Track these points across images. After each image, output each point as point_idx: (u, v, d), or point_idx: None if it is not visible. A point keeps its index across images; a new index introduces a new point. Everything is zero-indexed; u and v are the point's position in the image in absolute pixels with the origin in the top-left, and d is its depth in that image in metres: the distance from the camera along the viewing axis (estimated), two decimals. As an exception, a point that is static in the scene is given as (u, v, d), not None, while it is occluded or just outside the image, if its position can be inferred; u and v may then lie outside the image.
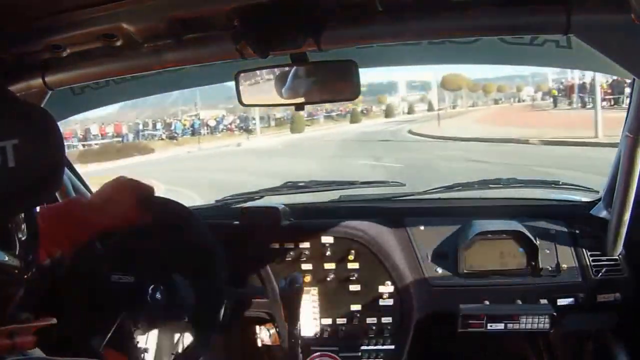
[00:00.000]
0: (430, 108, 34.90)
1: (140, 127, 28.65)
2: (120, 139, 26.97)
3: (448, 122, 23.02)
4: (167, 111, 32.98)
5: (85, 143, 25.54)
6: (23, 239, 0.74)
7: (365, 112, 34.75)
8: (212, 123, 28.52)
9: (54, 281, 1.37)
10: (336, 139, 19.59)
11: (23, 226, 0.75)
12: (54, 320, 1.19)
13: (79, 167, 1.89)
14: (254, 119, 28.19)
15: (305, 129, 26.15)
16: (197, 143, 23.36)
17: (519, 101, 34.79)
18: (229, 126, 28.73)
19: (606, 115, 13.73)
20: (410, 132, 20.47)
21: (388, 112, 34.49)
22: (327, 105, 27.72)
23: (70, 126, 24.58)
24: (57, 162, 0.71)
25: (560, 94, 27.15)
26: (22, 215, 0.73)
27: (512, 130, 16.45)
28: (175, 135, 26.66)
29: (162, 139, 26.29)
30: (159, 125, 28.72)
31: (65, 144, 0.78)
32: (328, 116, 32.82)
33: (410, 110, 35.59)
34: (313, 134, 24.61)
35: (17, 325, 0.76)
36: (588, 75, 21.44)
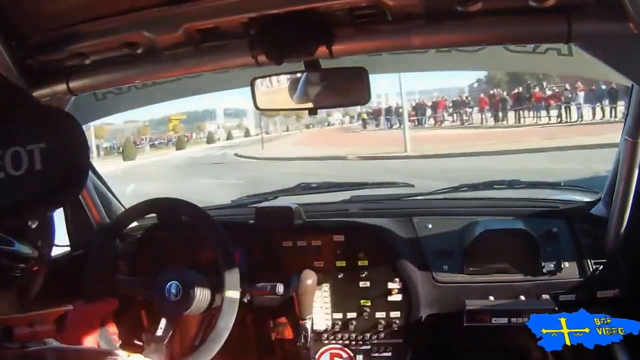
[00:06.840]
0: (247, 134, 37.13)
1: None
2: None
3: (269, 145, 23.77)
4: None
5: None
6: (37, 229, 0.76)
7: (186, 139, 35.67)
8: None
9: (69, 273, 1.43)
10: (169, 164, 19.35)
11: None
12: (71, 307, 1.21)
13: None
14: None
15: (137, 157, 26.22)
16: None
17: (328, 125, 36.92)
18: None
19: (413, 134, 15.73)
20: (236, 155, 20.76)
21: (209, 139, 35.89)
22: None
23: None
24: (82, 164, 0.72)
25: (369, 117, 28.44)
26: None
27: (331, 149, 17.29)
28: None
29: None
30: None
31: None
32: (152, 145, 33.52)
33: (230, 136, 37.63)
34: (143, 161, 23.88)
35: (36, 312, 0.76)
36: (393, 100, 24.66)
